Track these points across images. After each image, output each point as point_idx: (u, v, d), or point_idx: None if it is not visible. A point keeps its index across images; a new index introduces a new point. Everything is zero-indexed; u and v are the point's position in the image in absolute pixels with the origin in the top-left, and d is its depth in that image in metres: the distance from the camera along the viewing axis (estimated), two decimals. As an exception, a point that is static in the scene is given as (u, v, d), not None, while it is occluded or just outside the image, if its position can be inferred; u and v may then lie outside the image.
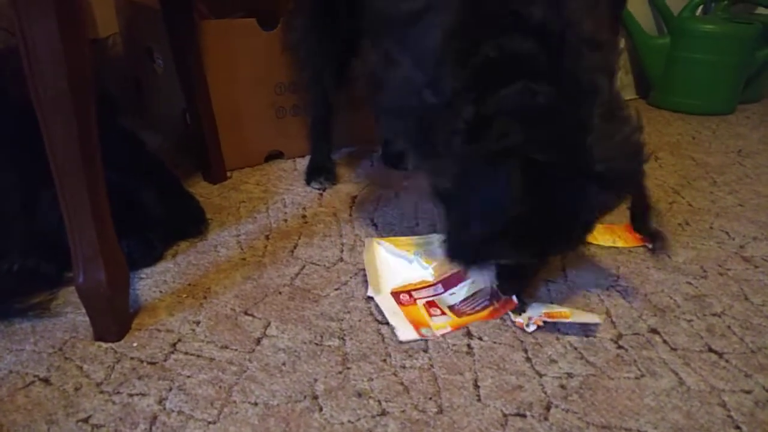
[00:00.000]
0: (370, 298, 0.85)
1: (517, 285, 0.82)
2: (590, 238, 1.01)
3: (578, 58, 0.69)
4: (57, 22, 0.57)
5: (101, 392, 0.67)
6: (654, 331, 0.80)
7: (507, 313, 0.81)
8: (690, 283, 0.91)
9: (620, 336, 0.79)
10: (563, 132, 0.68)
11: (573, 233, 0.75)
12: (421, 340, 0.77)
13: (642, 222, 0.82)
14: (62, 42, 0.58)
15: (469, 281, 0.85)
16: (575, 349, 0.76)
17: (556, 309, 0.81)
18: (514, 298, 0.81)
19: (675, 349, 0.77)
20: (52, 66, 0.59)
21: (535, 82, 0.68)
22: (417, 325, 0.79)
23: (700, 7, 1.88)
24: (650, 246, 0.87)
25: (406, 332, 0.78)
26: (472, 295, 0.84)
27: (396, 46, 0.82)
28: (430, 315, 0.81)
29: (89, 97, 0.64)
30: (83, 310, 0.76)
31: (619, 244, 1.02)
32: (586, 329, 0.79)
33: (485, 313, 0.81)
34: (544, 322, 0.78)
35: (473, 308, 0.82)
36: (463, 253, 0.77)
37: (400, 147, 1.12)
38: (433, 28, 0.75)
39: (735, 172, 1.36)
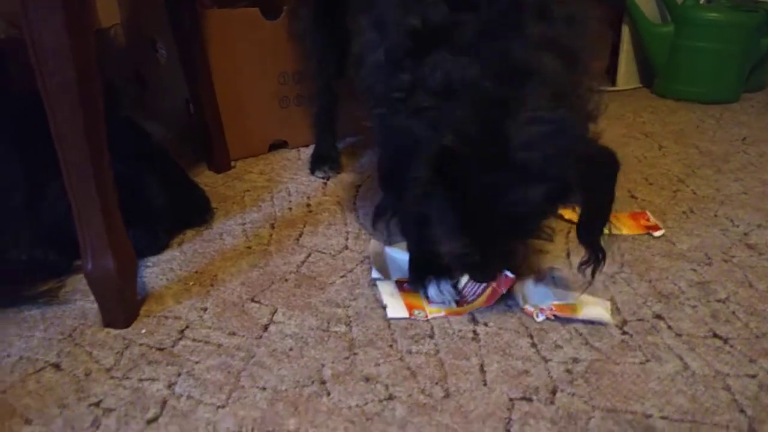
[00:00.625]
0: (376, 285, 0.85)
1: (485, 271, 0.77)
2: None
3: (516, 33, 0.63)
4: (64, 11, 0.57)
5: (111, 377, 0.67)
6: (659, 317, 0.80)
7: (516, 302, 0.81)
8: (694, 270, 0.91)
9: (625, 322, 0.79)
10: (479, 112, 0.62)
11: (502, 226, 0.68)
12: (427, 325, 0.77)
13: (587, 232, 0.73)
14: (68, 32, 0.59)
15: None
16: (580, 334, 0.77)
17: (565, 301, 0.80)
18: (509, 273, 0.79)
19: (680, 335, 0.77)
20: (58, 56, 0.60)
21: (454, 54, 0.63)
22: (411, 307, 0.80)
23: (705, -4, 1.87)
24: (579, 262, 0.75)
25: (396, 311, 0.79)
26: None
27: (365, 22, 0.80)
28: (430, 302, 0.81)
29: (96, 88, 0.65)
30: (92, 298, 0.77)
31: (624, 231, 1.02)
32: (591, 315, 0.79)
33: (484, 297, 0.81)
34: (555, 316, 0.78)
35: (475, 292, 0.82)
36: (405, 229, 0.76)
37: None
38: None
39: (739, 160, 1.36)
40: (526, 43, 0.63)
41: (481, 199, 0.65)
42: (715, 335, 0.77)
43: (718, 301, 0.84)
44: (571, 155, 0.63)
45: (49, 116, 0.64)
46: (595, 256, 0.74)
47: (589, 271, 0.75)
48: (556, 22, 0.66)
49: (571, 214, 1.00)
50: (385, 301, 0.81)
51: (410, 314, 0.79)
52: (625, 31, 1.87)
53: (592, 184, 0.67)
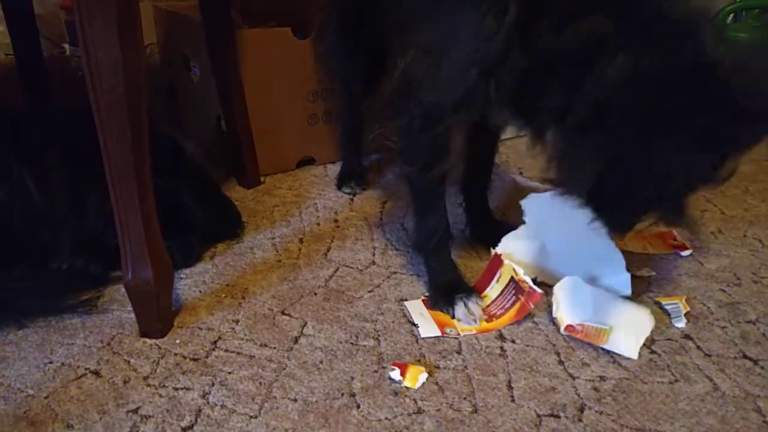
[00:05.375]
0: (403, 301, 0.86)
1: (629, 219, 0.74)
2: (620, 245, 1.02)
3: (672, 20, 0.63)
4: (117, 29, 0.61)
5: (148, 385, 0.70)
6: (687, 337, 0.80)
7: (549, 312, 0.81)
8: (723, 291, 0.91)
9: (653, 341, 0.79)
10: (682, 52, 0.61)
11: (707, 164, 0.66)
12: (455, 341, 0.78)
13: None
14: (121, 49, 0.62)
15: (494, 281, 0.86)
16: (608, 353, 0.77)
17: (600, 324, 0.78)
18: (537, 288, 0.79)
19: (709, 355, 0.77)
20: (111, 72, 0.63)
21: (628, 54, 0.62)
22: (442, 325, 0.81)
23: (731, 15, 1.87)
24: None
25: (428, 329, 0.80)
26: (501, 293, 0.85)
27: (436, 37, 0.77)
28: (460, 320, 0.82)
29: (142, 103, 0.68)
30: (128, 308, 0.79)
31: (650, 250, 1.02)
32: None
33: (513, 311, 0.81)
34: (577, 338, 0.78)
35: (503, 307, 0.83)
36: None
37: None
38: (482, 9, 0.69)
39: (767, 180, 1.35)
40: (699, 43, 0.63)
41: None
42: (745, 356, 0.77)
43: (748, 322, 0.84)
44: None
45: (98, 129, 0.67)
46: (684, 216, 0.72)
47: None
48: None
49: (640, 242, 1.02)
50: (416, 321, 0.82)
51: (442, 332, 0.80)
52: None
53: None
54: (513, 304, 0.81)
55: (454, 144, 0.83)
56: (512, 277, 0.83)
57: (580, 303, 0.80)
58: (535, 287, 0.80)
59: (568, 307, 0.80)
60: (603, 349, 0.77)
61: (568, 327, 0.78)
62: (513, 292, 0.83)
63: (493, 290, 0.85)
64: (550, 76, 0.68)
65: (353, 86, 1.20)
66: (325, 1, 1.18)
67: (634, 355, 0.76)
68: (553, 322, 0.80)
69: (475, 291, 0.85)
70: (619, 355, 0.76)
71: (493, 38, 0.68)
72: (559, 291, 0.82)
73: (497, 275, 0.85)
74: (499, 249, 0.89)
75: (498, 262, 0.86)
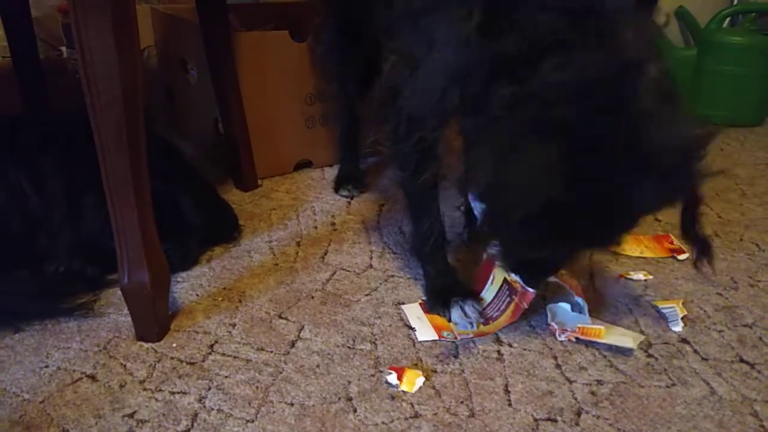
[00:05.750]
0: (400, 305, 0.86)
1: (539, 276, 0.78)
2: (617, 249, 1.03)
3: (618, 29, 0.62)
4: (113, 32, 0.61)
5: (144, 389, 0.69)
6: (684, 341, 0.80)
7: (543, 319, 0.81)
8: (720, 294, 0.91)
9: (650, 345, 0.79)
10: (613, 109, 0.61)
11: (622, 224, 0.69)
12: (452, 345, 0.78)
13: (691, 227, 0.76)
14: (117, 52, 0.62)
15: (488, 284, 0.86)
16: (604, 356, 0.77)
17: (591, 325, 0.80)
18: (530, 289, 0.79)
19: (706, 359, 0.77)
20: (107, 74, 0.63)
21: (571, 55, 0.62)
22: (439, 329, 0.81)
23: (728, 19, 1.88)
24: (693, 255, 0.78)
25: (425, 333, 0.80)
26: (496, 295, 0.85)
27: (414, 44, 0.78)
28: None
29: (139, 106, 0.68)
30: (124, 311, 0.79)
31: (647, 254, 1.02)
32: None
33: (509, 312, 0.81)
34: (577, 338, 0.79)
35: (499, 309, 0.82)
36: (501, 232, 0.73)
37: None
38: (451, 15, 0.70)
39: (764, 183, 1.35)
40: (629, 40, 0.63)
41: (614, 196, 0.64)
42: (742, 360, 0.77)
43: (745, 326, 0.84)
44: (698, 158, 0.64)
45: (94, 132, 0.67)
46: (704, 244, 0.76)
47: (705, 257, 0.77)
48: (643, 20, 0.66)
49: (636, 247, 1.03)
50: (413, 324, 0.82)
51: (439, 336, 0.79)
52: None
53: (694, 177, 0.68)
54: (508, 305, 0.81)
55: (445, 148, 0.83)
56: (505, 279, 0.83)
57: (574, 315, 0.82)
58: (527, 287, 0.79)
59: (563, 315, 0.82)
60: (600, 352, 0.77)
61: (564, 330, 0.79)
62: (507, 293, 0.83)
63: (488, 293, 0.85)
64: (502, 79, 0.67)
65: (350, 89, 1.20)
66: (322, 4, 1.18)
67: (633, 346, 0.77)
68: (551, 330, 0.80)
69: (471, 294, 0.85)
70: (617, 358, 0.76)
71: (459, 45, 0.68)
72: (553, 304, 0.83)
73: (491, 278, 0.85)
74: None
75: (489, 265, 0.86)
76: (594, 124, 0.61)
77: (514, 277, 0.81)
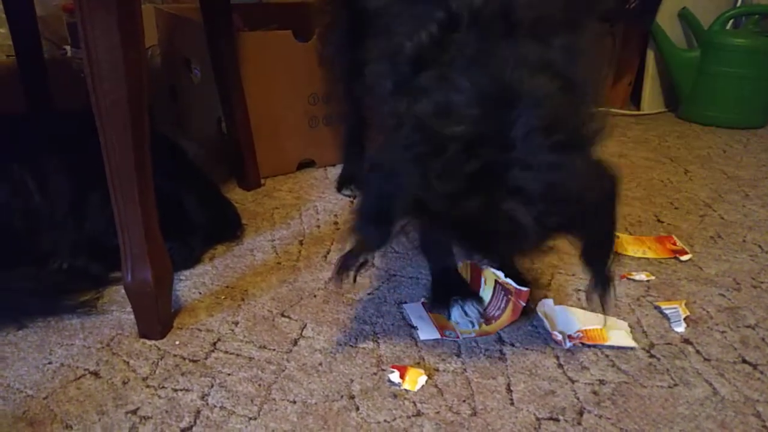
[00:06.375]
0: (402, 304, 0.86)
1: (484, 250, 0.73)
2: (620, 249, 1.03)
3: (508, 54, 0.58)
4: (119, 31, 0.61)
5: (147, 386, 0.69)
6: (687, 341, 0.80)
7: (543, 326, 0.81)
8: (723, 295, 0.91)
9: (652, 345, 0.79)
10: (468, 147, 0.58)
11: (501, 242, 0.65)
12: (454, 344, 0.78)
13: (594, 263, 0.70)
14: (122, 51, 0.62)
15: (483, 284, 0.86)
16: (606, 356, 0.77)
17: (591, 326, 0.80)
18: (522, 288, 0.79)
19: (708, 360, 0.77)
20: (112, 74, 0.63)
21: (442, 79, 0.59)
22: (441, 328, 0.81)
23: (731, 21, 1.88)
24: (586, 291, 0.73)
25: (428, 332, 0.80)
26: (493, 294, 0.85)
27: (373, 49, 0.78)
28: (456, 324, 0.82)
29: (144, 105, 0.68)
30: (128, 309, 0.79)
31: (649, 255, 1.02)
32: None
33: (509, 311, 0.81)
34: (582, 344, 0.79)
35: (499, 308, 0.82)
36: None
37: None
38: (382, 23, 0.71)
39: (767, 185, 1.35)
40: (519, 65, 0.58)
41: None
42: (745, 361, 0.77)
43: (748, 327, 0.84)
44: (572, 196, 0.60)
45: (99, 131, 0.67)
46: (602, 285, 0.71)
47: (600, 296, 0.71)
48: (549, 43, 0.61)
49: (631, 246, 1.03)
50: (415, 323, 0.82)
51: (441, 335, 0.80)
52: (650, 56, 1.88)
53: (593, 211, 0.63)
54: (507, 304, 0.82)
55: None
56: (496, 281, 0.83)
57: (568, 319, 0.82)
58: (519, 286, 0.79)
59: (560, 321, 0.82)
60: (602, 352, 0.77)
61: (570, 337, 0.78)
62: (503, 293, 0.83)
63: (484, 293, 0.85)
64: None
65: (357, 90, 1.21)
66: (331, 4, 1.18)
67: (634, 344, 0.78)
68: (554, 339, 0.79)
69: (472, 294, 0.85)
70: (619, 358, 0.76)
71: (404, 50, 0.65)
72: (543, 310, 0.83)
73: (483, 279, 0.86)
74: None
75: (476, 268, 0.86)
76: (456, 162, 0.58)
77: (503, 279, 0.81)
